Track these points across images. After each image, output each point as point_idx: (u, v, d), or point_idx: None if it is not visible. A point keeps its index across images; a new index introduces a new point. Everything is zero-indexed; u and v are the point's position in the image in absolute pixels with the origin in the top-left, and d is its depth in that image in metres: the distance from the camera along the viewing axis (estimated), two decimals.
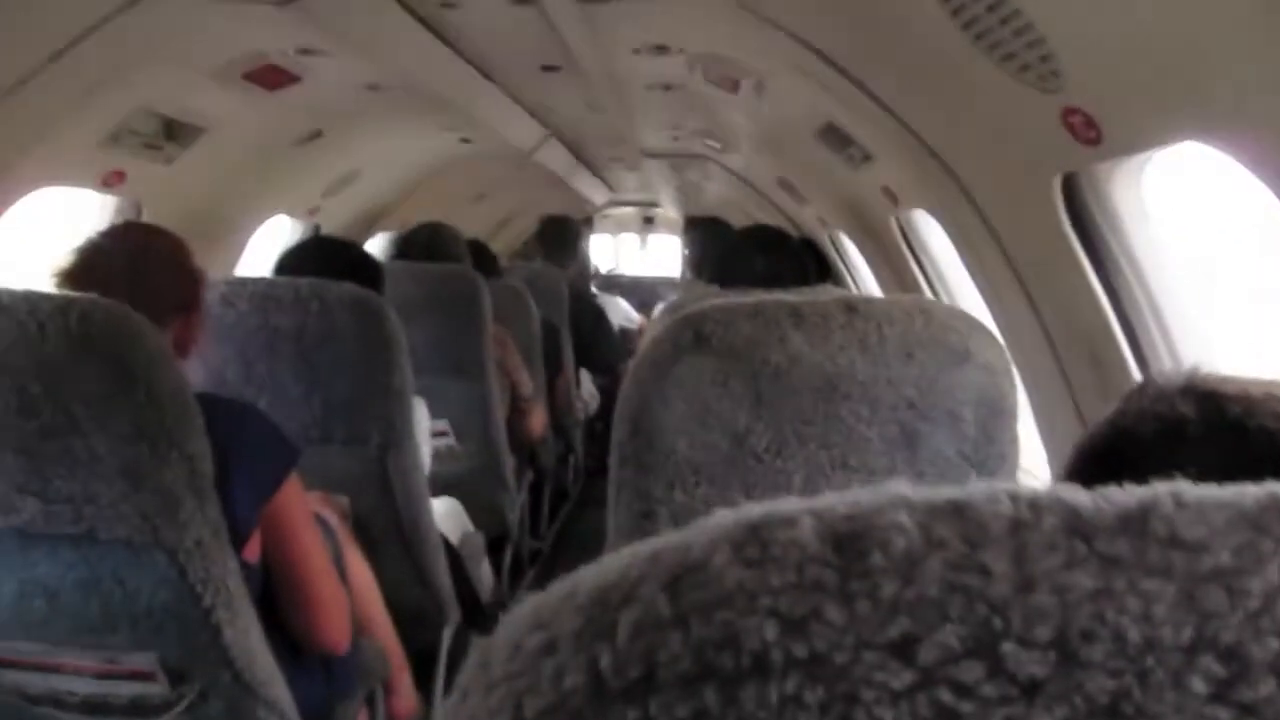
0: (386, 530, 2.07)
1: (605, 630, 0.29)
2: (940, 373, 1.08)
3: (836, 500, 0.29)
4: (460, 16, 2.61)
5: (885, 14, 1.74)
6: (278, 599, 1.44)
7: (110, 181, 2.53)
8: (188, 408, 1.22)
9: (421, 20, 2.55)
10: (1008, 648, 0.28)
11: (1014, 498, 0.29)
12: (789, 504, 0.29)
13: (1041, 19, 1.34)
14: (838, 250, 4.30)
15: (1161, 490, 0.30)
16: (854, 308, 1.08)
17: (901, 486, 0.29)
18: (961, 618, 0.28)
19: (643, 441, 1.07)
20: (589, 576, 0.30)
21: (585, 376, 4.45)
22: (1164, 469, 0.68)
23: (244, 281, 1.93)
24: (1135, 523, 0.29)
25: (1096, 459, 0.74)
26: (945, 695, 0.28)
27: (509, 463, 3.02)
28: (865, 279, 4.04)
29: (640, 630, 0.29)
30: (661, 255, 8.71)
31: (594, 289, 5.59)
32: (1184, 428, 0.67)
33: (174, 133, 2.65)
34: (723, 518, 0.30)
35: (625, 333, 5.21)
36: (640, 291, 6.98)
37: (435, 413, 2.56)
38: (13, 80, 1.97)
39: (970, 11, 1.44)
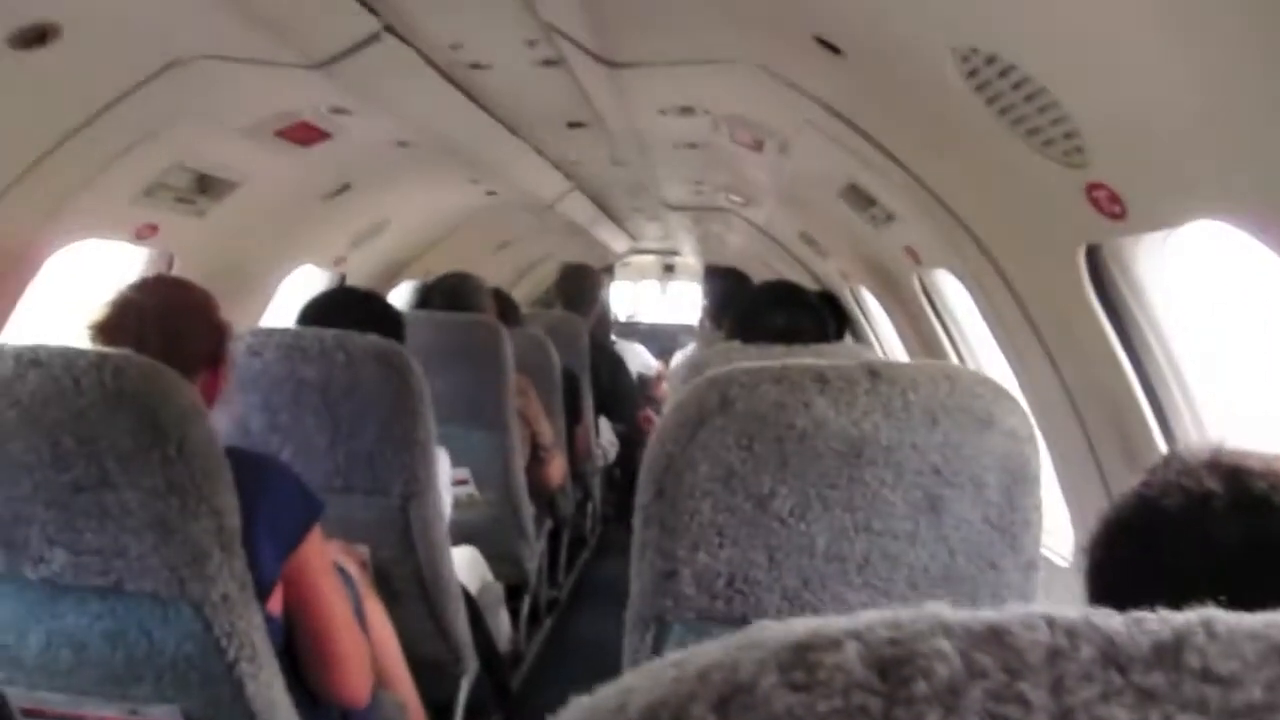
0: (407, 580, 2.07)
1: None
2: (965, 438, 1.09)
3: (877, 621, 0.30)
4: (490, 77, 2.67)
5: (910, 84, 1.76)
6: (298, 651, 1.44)
7: (144, 234, 2.58)
8: (217, 463, 1.24)
9: (452, 81, 2.60)
10: None
11: (1050, 623, 0.29)
12: (832, 624, 0.30)
13: (1067, 98, 1.36)
14: (859, 304, 4.31)
15: (1194, 619, 0.30)
16: (878, 373, 1.08)
17: (940, 609, 0.30)
18: None
19: (667, 503, 1.08)
20: (639, 690, 0.31)
21: (604, 424, 4.45)
22: (1190, 542, 0.68)
23: (270, 332, 1.95)
24: (1169, 654, 0.29)
25: (1123, 530, 0.74)
26: None
27: (529, 511, 3.02)
28: (886, 333, 4.04)
29: None
30: (681, 302, 8.74)
31: (613, 336, 5.60)
32: (1210, 501, 0.68)
33: (207, 187, 2.69)
34: (766, 633, 0.31)
35: (643, 379, 5.22)
36: (660, 338, 6.99)
37: (456, 461, 2.57)
38: (54, 139, 2.03)
39: (995, 88, 1.46)
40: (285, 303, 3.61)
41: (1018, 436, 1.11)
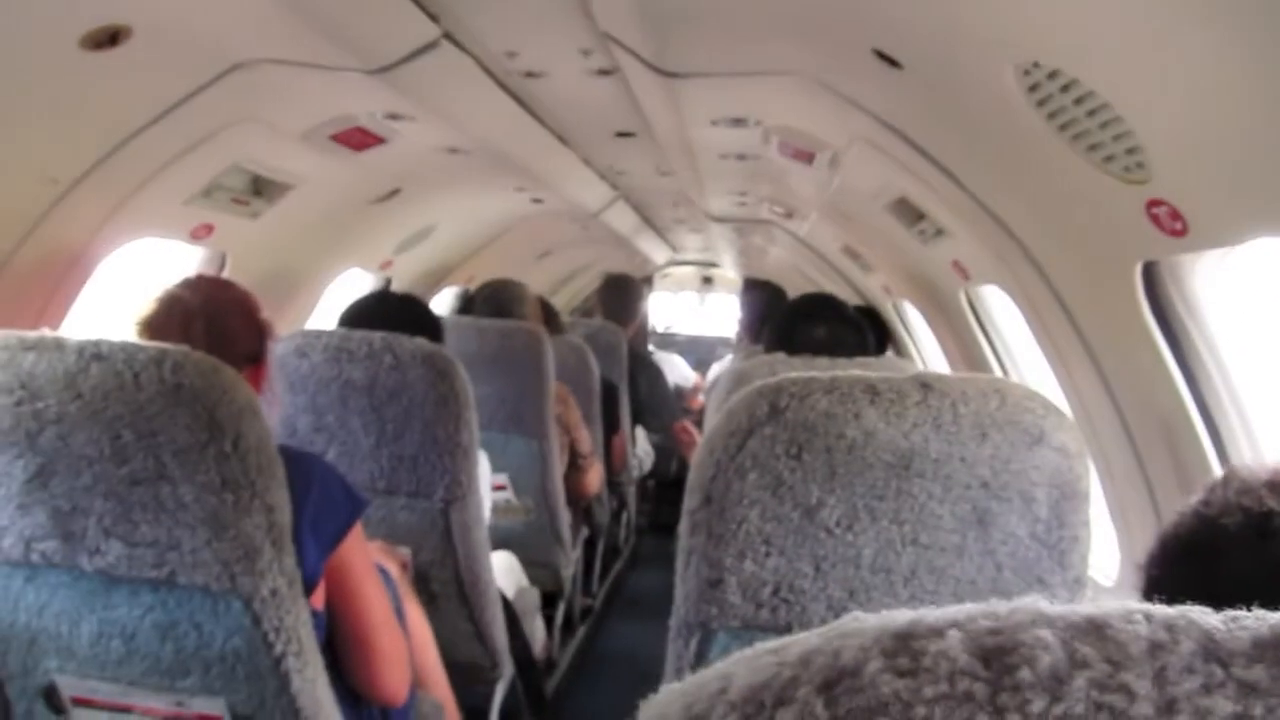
0: (446, 583, 2.09)
1: None
2: (1014, 453, 1.08)
3: (976, 612, 0.30)
4: (543, 85, 2.69)
5: (968, 98, 1.75)
6: (338, 648, 1.45)
7: (199, 234, 2.62)
8: (271, 460, 1.25)
9: (506, 89, 2.62)
10: None
11: (1149, 618, 0.30)
12: (931, 614, 0.30)
13: (1130, 113, 1.34)
14: (901, 319, 4.28)
15: None
16: (929, 386, 1.07)
17: (1037, 601, 0.30)
18: None
19: (714, 510, 1.08)
20: (739, 674, 0.31)
21: (641, 434, 4.46)
22: (1250, 561, 0.68)
23: (318, 334, 1.96)
24: (1270, 650, 0.29)
25: (1182, 548, 0.74)
26: None
27: (566, 519, 3.03)
28: (929, 348, 4.01)
29: None
30: (718, 314, 8.75)
31: (650, 346, 5.60)
32: (1270, 521, 0.67)
33: (262, 189, 2.74)
34: (862, 623, 0.31)
35: (679, 390, 5.22)
36: (697, 349, 7.00)
37: (495, 467, 2.59)
38: (118, 138, 2.08)
39: (1057, 102, 1.44)
40: (329, 305, 3.66)
41: (1068, 452, 1.10)
